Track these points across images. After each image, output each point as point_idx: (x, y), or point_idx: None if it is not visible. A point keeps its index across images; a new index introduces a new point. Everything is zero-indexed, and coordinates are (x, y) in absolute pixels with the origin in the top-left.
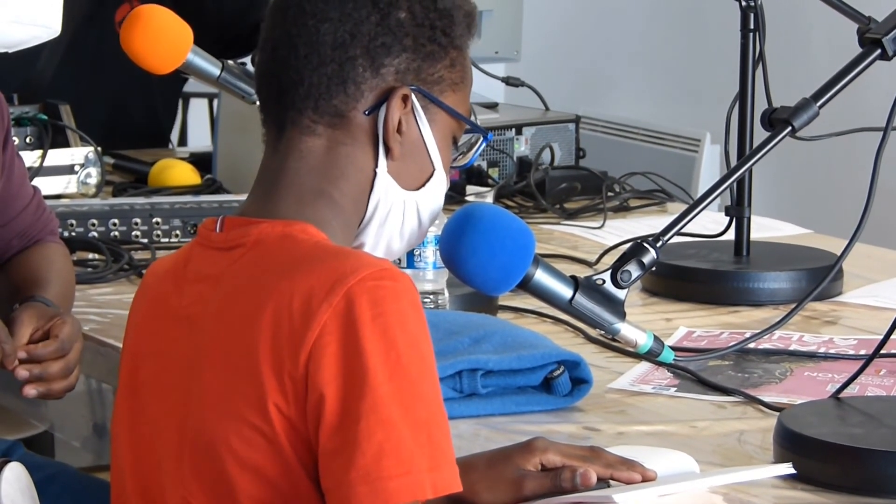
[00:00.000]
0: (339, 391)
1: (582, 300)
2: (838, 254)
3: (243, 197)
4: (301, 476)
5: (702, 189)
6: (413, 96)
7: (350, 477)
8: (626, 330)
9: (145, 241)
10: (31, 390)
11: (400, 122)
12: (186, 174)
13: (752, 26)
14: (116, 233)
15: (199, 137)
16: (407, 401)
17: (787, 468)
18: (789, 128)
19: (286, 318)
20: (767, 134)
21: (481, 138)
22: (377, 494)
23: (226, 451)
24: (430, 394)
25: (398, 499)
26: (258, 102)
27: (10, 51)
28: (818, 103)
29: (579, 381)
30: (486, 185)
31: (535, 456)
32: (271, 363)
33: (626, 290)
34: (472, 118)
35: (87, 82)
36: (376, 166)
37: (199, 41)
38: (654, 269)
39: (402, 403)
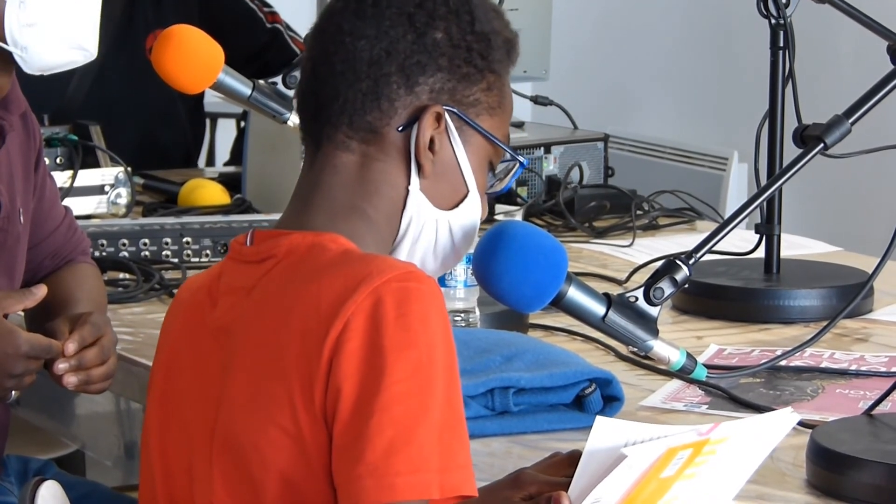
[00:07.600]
0: (356, 387)
1: (615, 317)
2: (868, 271)
3: (273, 216)
4: (324, 481)
5: (730, 207)
6: (447, 116)
7: (358, 471)
8: (659, 347)
9: (176, 260)
10: (71, 377)
11: (433, 141)
12: (216, 194)
13: (781, 44)
14: (147, 252)
15: (227, 157)
16: (422, 401)
17: (789, 411)
18: (821, 145)
19: (314, 318)
20: (797, 152)
21: (517, 165)
22: (383, 489)
23: (253, 454)
24: (447, 396)
25: (404, 495)
26: (297, 121)
27: (46, 73)
28: (850, 120)
29: (611, 399)
30: (515, 203)
31: (523, 490)
32: (299, 364)
33: (658, 308)
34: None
35: (118, 105)
36: (409, 184)
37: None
38: (685, 286)
39: (416, 403)
